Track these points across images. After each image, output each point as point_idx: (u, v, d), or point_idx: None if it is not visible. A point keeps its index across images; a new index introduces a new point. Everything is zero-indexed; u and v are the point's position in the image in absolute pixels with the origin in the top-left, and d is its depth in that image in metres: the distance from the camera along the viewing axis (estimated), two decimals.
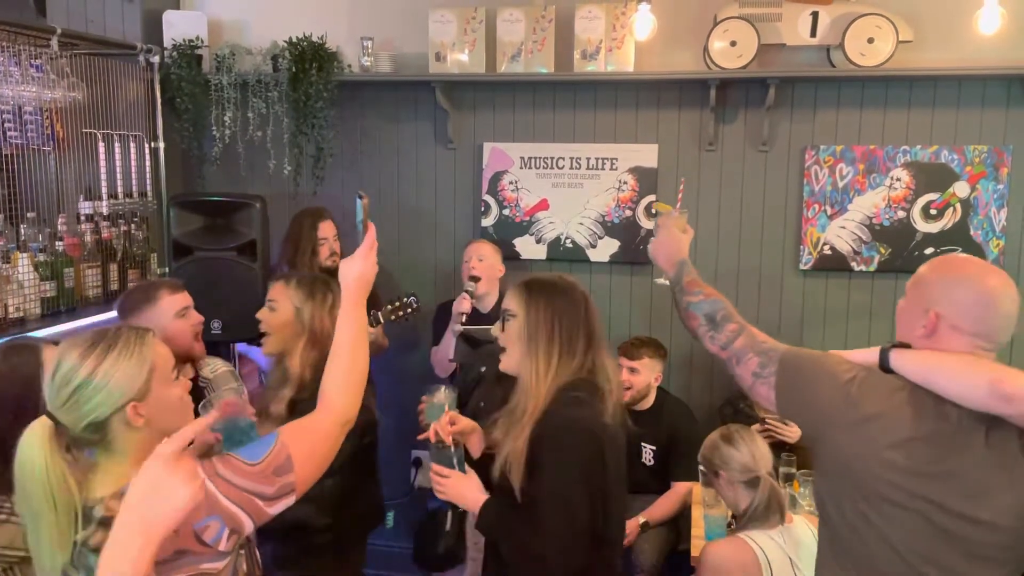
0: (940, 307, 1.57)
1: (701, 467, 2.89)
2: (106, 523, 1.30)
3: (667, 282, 2.07)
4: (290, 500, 1.45)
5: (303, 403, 2.15)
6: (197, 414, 1.82)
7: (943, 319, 1.57)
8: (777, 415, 1.80)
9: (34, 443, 1.35)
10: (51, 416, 1.38)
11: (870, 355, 1.63)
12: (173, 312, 2.46)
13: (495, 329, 2.01)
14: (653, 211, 1.87)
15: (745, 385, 1.77)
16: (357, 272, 1.64)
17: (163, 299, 2.46)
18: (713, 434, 2.46)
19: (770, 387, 1.70)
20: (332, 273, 3.48)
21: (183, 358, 2.51)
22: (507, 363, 1.97)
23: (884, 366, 1.59)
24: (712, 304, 1.88)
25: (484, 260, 3.49)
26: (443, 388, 2.26)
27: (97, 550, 1.28)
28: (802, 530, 2.23)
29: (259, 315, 2.39)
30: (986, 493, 1.49)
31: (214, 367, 2.63)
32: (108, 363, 1.39)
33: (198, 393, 2.53)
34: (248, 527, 1.41)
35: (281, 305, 2.36)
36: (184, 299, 2.49)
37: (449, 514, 2.61)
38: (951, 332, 1.57)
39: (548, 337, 1.90)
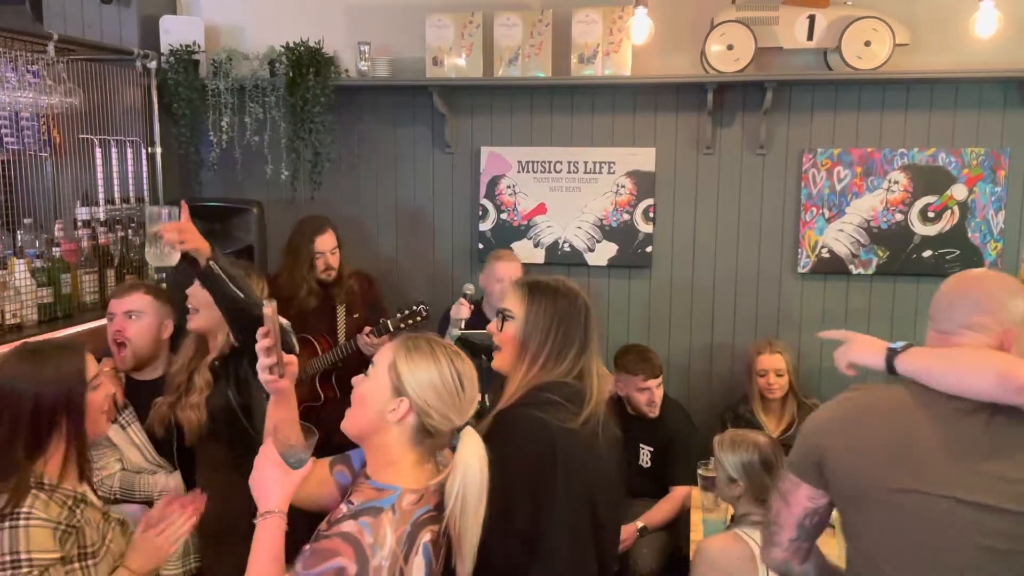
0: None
1: (700, 471, 2.89)
2: None
3: None
4: None
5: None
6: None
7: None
8: None
9: None
10: None
11: (875, 357, 1.60)
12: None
13: (492, 326, 1.96)
14: None
15: None
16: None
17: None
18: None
19: None
20: (325, 285, 3.47)
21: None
22: (499, 363, 1.93)
23: (890, 370, 1.57)
24: None
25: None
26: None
27: None
28: None
29: (190, 291, 2.39)
30: None
31: None
32: None
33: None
34: None
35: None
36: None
37: None
38: (929, 323, 1.62)
39: (542, 342, 1.86)
